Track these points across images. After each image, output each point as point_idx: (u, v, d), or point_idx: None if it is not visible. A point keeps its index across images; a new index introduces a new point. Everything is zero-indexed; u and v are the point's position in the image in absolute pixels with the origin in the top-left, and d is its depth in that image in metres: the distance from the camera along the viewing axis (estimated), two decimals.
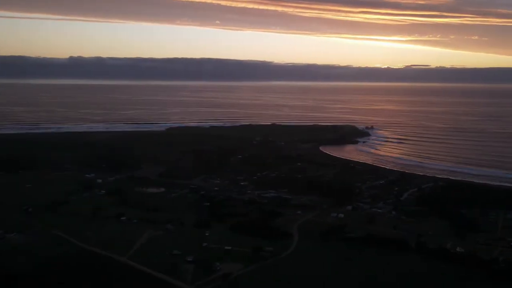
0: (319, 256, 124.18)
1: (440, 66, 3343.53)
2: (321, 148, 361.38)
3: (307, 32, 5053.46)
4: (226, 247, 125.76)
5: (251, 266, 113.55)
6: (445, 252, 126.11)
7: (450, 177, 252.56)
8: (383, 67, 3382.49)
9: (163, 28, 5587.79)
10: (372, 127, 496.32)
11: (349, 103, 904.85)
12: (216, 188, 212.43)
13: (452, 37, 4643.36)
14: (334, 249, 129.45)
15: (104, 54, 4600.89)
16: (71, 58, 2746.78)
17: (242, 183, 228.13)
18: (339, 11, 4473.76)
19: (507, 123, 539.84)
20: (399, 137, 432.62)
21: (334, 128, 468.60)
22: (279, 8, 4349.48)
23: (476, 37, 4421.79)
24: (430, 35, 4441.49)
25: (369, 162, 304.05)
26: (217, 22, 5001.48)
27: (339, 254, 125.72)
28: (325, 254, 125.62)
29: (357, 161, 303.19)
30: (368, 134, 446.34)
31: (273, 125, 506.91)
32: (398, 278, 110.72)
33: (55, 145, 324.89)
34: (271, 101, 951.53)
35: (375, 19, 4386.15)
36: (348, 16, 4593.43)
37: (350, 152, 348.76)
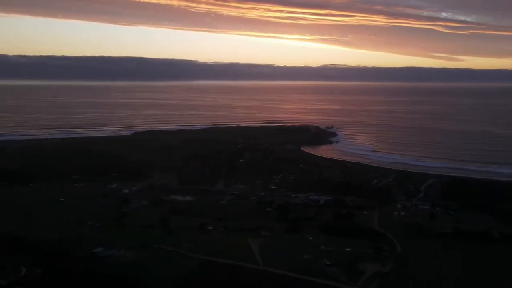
0: (435, 252, 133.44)
1: (351, 66, 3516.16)
2: (303, 149, 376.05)
3: (225, 31, 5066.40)
4: (347, 249, 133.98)
5: (388, 265, 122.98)
6: None
7: (446, 173, 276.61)
8: (299, 66, 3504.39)
9: (78, 24, 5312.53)
10: (332, 127, 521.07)
11: (295, 103, 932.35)
12: (262, 193, 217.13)
13: (350, 36, 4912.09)
14: (440, 244, 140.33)
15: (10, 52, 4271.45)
16: None
17: (272, 187, 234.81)
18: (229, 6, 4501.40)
19: (457, 121, 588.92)
20: (365, 136, 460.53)
21: (302, 129, 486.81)
22: (193, 5, 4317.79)
23: (373, 37, 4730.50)
24: (332, 35, 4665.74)
25: (361, 161, 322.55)
26: (136, 19, 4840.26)
27: (446, 247, 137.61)
28: (439, 249, 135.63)
29: (351, 161, 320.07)
30: (335, 134, 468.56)
31: (239, 127, 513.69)
32: None
33: (42, 154, 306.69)
34: (216, 102, 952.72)
35: (272, 17, 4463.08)
36: (241, 13, 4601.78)
37: (334, 153, 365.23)
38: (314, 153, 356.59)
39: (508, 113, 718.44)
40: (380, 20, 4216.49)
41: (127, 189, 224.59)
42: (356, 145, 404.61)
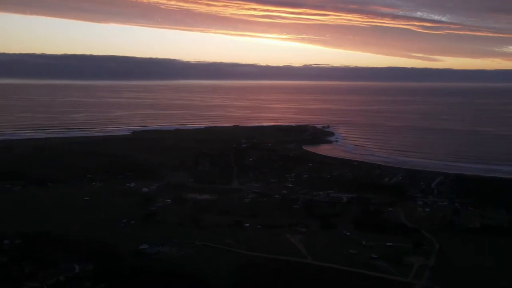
0: (472, 246, 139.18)
1: (333, 65, 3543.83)
2: (305, 148, 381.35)
3: (203, 29, 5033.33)
4: (388, 244, 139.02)
5: (431, 259, 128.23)
6: None
7: (450, 171, 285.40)
8: (281, 65, 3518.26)
9: (58, 22, 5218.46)
10: (328, 126, 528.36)
11: (286, 103, 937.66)
12: (284, 191, 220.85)
13: (328, 35, 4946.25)
14: (473, 239, 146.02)
15: None
16: None
17: (289, 185, 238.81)
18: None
19: (447, 120, 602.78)
20: (362, 135, 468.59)
21: (300, 128, 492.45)
22: (164, 1, 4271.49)
23: (351, 37, 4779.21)
24: (309, 34, 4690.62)
25: (365, 160, 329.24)
26: (118, 18, 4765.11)
27: (480, 241, 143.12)
28: (474, 244, 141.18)
29: (356, 160, 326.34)
30: (332, 134, 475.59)
31: (237, 126, 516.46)
32: None
33: (49, 154, 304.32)
34: (207, 102, 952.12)
35: (246, 15, 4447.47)
36: (214, 10, 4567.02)
37: (336, 151, 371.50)
38: (317, 152, 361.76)
39: (494, 112, 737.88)
40: (356, 19, 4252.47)
41: (146, 188, 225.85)
42: (355, 144, 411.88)
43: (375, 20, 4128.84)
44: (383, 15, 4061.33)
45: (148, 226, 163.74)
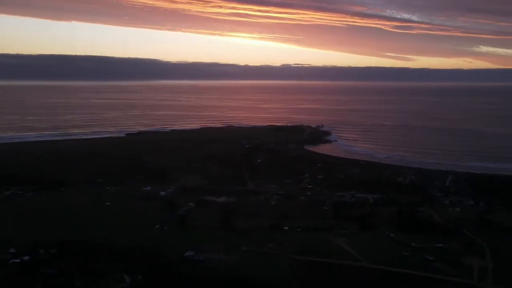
0: None
1: (312, 65, 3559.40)
2: (307, 148, 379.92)
3: (177, 28, 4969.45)
4: (438, 245, 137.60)
5: (488, 260, 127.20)
6: None
7: (458, 170, 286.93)
8: (259, 65, 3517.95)
9: (33, 21, 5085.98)
10: (323, 126, 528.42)
11: (274, 103, 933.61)
12: (309, 193, 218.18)
13: (301, 35, 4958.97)
14: None
15: None
16: None
17: (308, 186, 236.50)
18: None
19: (437, 119, 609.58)
20: (358, 135, 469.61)
21: (297, 128, 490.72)
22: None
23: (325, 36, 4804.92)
24: (281, 34, 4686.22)
25: (370, 160, 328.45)
26: (66, 14, 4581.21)
27: None
28: None
29: (363, 160, 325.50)
30: (329, 133, 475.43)
31: (231, 126, 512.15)
32: None
33: (53, 157, 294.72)
34: (195, 102, 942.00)
35: (212, 13, 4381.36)
36: (180, 7, 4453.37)
37: (339, 151, 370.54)
38: (321, 152, 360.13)
39: (479, 111, 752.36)
40: (326, 18, 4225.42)
41: (163, 192, 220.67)
42: (355, 144, 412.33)
43: (345, 19, 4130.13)
44: (352, 14, 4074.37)
45: (182, 231, 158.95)
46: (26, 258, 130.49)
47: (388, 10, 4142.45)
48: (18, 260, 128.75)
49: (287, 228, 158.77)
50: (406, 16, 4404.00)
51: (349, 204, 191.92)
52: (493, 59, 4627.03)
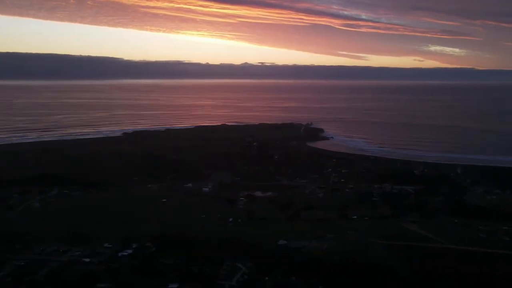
0: None
1: (276, 64, 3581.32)
2: (310, 145, 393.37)
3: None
4: (503, 227, 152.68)
5: None
6: None
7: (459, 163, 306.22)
8: (220, 63, 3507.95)
9: None
10: (312, 123, 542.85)
11: (254, 102, 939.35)
12: (350, 186, 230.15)
13: (252, 33, 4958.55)
14: None
15: None
16: None
17: (342, 180, 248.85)
18: None
19: (417, 116, 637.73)
20: (350, 131, 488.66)
21: (291, 126, 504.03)
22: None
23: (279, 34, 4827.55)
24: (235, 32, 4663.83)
25: (375, 155, 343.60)
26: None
27: None
28: None
29: (370, 155, 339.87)
30: (322, 130, 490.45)
31: (225, 125, 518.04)
32: None
33: (76, 157, 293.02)
34: (173, 101, 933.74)
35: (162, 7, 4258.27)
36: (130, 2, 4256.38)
37: (341, 147, 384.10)
38: (326, 148, 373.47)
39: (453, 108, 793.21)
40: (273, 15, 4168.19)
41: (206, 188, 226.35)
42: (352, 140, 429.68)
43: (291, 16, 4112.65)
44: (297, 11, 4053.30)
45: (255, 223, 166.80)
46: (129, 251, 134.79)
47: (334, 7, 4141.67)
48: (126, 253, 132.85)
49: (355, 217, 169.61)
50: (353, 13, 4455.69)
51: (396, 195, 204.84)
52: (442, 58, 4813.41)
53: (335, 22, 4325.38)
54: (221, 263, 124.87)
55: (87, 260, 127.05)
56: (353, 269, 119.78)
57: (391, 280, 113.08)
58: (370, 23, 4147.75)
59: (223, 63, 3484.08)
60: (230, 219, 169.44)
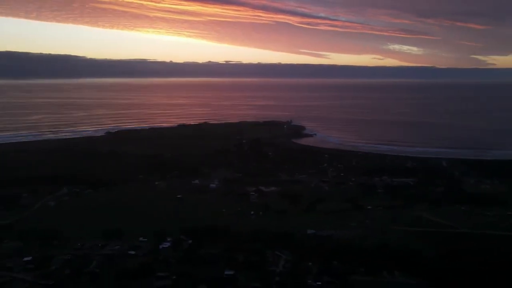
0: None
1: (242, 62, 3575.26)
2: (296, 141, 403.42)
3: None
4: (508, 213, 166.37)
5: None
6: None
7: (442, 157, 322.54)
8: (184, 62, 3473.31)
9: None
10: (291, 121, 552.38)
11: (231, 100, 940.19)
12: (353, 179, 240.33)
13: (214, 32, 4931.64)
14: None
15: None
16: None
17: (341, 174, 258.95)
18: None
19: (391, 113, 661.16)
20: (331, 128, 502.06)
21: (274, 123, 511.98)
22: None
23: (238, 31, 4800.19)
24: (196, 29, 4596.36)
25: (363, 150, 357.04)
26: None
27: None
28: None
29: (357, 151, 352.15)
30: (304, 128, 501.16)
31: (207, 123, 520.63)
32: None
33: (72, 156, 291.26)
34: (148, 100, 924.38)
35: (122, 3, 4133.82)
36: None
37: (326, 144, 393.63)
38: (314, 145, 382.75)
39: (422, 105, 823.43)
40: (228, 12, 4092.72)
41: (213, 184, 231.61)
42: (335, 137, 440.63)
43: (250, 14, 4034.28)
44: (254, 8, 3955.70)
45: (276, 215, 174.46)
46: (167, 244, 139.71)
47: (292, 4, 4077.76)
48: (166, 246, 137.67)
49: (370, 207, 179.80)
50: (311, 11, 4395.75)
51: (398, 187, 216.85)
52: (401, 57, 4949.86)
53: (293, 20, 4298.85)
54: (260, 252, 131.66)
55: (132, 252, 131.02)
56: (385, 252, 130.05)
57: (423, 260, 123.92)
58: (328, 21, 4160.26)
59: (187, 62, 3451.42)
60: (252, 212, 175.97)
